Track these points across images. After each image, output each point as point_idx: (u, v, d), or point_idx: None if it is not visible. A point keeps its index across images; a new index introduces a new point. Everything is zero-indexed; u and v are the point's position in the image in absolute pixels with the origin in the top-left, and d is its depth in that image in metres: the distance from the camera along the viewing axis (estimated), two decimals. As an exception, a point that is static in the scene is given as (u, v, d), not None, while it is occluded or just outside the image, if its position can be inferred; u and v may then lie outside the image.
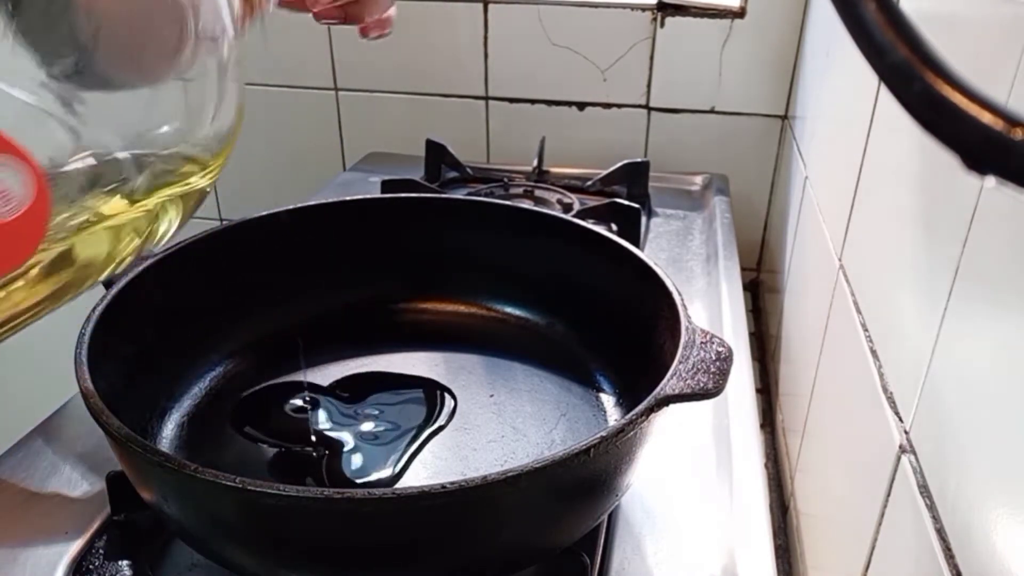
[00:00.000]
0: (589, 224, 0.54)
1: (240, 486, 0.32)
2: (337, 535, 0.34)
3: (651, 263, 0.48)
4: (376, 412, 0.49)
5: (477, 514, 0.35)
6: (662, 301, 0.46)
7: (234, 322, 0.54)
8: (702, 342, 0.40)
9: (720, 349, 0.40)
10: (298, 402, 0.50)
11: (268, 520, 0.34)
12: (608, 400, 0.50)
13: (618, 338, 0.51)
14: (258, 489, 0.31)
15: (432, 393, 0.51)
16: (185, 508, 0.36)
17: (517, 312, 0.58)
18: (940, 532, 0.31)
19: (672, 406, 0.37)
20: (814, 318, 0.61)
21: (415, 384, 0.52)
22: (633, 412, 0.36)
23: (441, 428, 0.48)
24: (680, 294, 0.45)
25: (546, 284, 0.56)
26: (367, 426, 0.48)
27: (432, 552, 0.35)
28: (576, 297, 0.55)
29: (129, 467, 0.39)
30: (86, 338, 0.41)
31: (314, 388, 0.51)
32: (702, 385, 0.38)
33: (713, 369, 0.39)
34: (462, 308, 0.59)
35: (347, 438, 0.47)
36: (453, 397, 0.51)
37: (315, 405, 0.50)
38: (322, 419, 0.49)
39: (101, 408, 0.36)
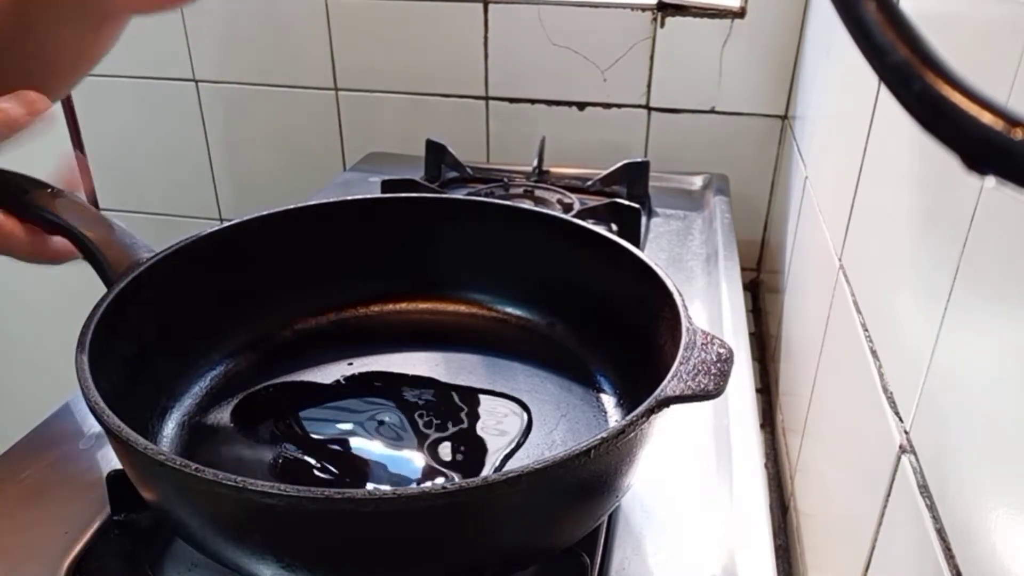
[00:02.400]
0: (589, 224, 0.54)
1: (240, 486, 0.32)
2: (338, 535, 0.34)
3: (652, 263, 0.48)
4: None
5: (478, 515, 0.35)
6: (663, 302, 0.46)
7: (234, 321, 0.54)
8: (703, 343, 0.40)
9: (721, 351, 0.40)
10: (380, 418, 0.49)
11: (269, 520, 0.34)
12: (609, 401, 0.50)
13: (619, 339, 0.51)
14: (259, 489, 0.31)
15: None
16: (185, 508, 0.36)
17: (517, 312, 0.58)
18: (940, 532, 0.31)
19: (672, 407, 0.37)
20: (814, 318, 0.61)
21: (422, 384, 0.52)
22: (633, 413, 0.36)
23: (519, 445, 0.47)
24: (681, 295, 0.45)
25: (546, 284, 0.56)
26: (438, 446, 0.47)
27: (433, 552, 0.35)
28: (576, 297, 0.55)
29: (130, 466, 0.39)
30: (87, 338, 0.41)
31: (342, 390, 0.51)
32: (703, 386, 0.38)
33: (714, 370, 0.39)
34: (462, 308, 0.59)
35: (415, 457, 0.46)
36: (527, 410, 0.50)
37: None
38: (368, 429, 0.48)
39: (102, 407, 0.36)
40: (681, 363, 0.39)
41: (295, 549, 0.35)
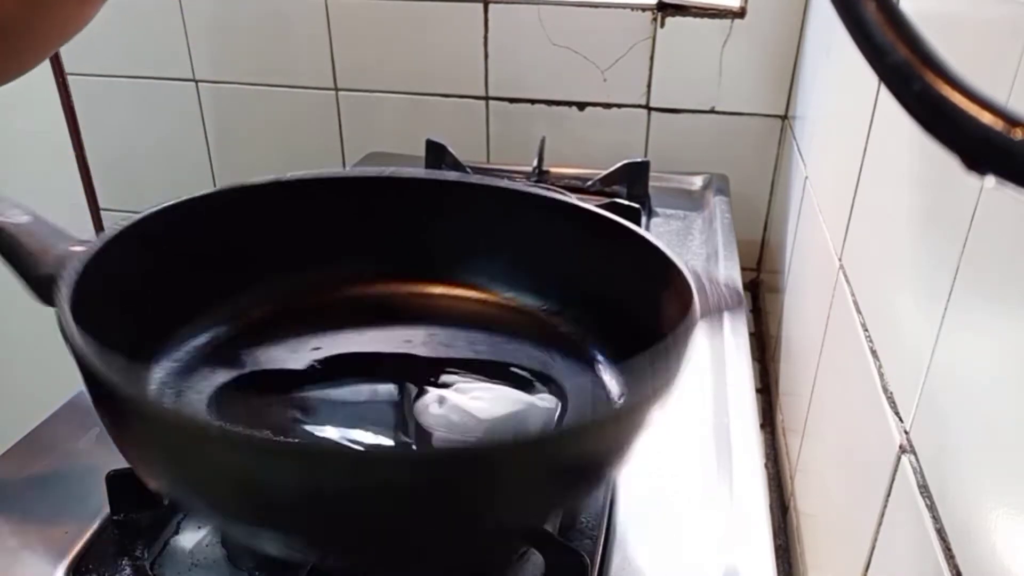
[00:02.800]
0: (555, 194, 0.53)
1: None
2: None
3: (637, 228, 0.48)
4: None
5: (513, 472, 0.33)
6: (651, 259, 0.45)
7: (196, 307, 0.51)
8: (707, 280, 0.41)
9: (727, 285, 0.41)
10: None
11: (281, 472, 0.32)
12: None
13: (602, 294, 0.50)
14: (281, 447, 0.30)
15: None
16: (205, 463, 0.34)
17: (524, 300, 0.57)
18: (940, 532, 0.31)
19: (670, 401, 0.37)
20: (814, 318, 0.61)
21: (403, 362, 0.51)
22: (674, 332, 0.36)
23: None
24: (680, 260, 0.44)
25: (539, 267, 0.54)
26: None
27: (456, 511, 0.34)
28: (569, 280, 0.53)
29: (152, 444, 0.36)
30: (78, 335, 0.39)
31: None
32: (725, 301, 0.39)
33: (726, 291, 0.39)
34: (461, 291, 0.57)
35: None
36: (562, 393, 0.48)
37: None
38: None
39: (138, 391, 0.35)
40: (699, 286, 0.39)
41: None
